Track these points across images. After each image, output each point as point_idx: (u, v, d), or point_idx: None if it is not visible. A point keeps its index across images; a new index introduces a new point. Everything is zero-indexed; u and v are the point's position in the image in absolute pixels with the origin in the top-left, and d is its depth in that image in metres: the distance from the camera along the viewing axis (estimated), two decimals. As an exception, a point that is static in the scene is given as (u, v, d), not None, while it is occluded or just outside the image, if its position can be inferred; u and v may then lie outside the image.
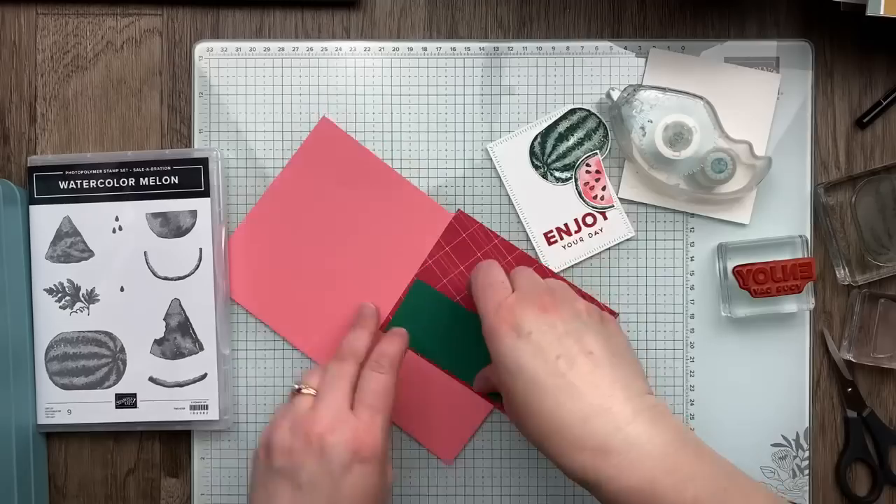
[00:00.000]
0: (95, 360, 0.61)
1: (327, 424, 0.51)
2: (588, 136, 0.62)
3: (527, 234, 0.62)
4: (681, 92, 0.60)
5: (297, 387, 0.54)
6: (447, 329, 0.61)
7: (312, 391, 0.53)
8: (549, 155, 0.62)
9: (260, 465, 0.53)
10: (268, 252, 0.62)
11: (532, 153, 0.62)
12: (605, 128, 0.62)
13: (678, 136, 0.59)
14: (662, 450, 0.46)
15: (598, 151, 0.62)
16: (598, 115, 0.62)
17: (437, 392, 0.61)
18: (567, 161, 0.62)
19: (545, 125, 0.62)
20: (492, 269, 0.55)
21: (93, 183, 0.61)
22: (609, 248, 0.62)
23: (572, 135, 0.62)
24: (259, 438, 0.54)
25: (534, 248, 0.62)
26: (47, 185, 0.61)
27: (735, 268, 0.59)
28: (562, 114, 0.62)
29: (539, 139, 0.62)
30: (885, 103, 0.62)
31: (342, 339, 0.56)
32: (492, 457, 0.62)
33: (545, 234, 0.62)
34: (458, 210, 0.62)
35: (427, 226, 0.61)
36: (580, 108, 0.62)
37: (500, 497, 0.62)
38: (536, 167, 0.62)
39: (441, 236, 0.61)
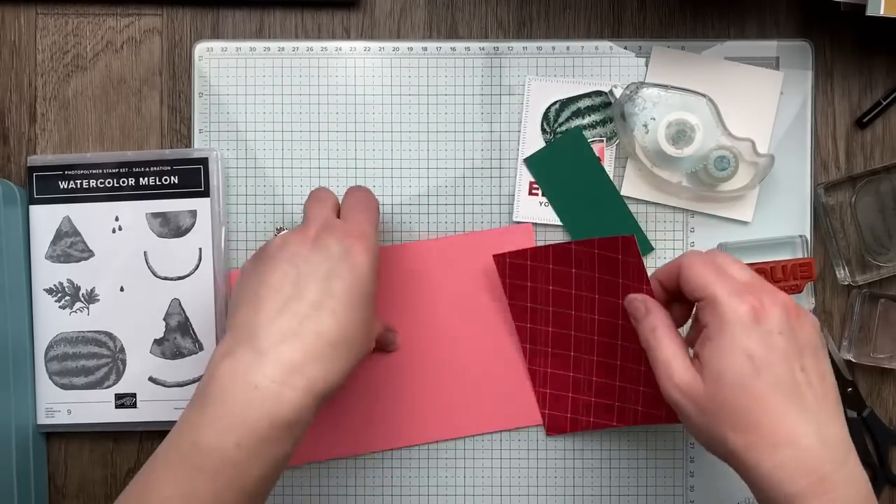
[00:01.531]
0: (95, 360, 0.61)
1: (319, 228, 0.51)
2: (603, 123, 0.62)
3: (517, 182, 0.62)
4: (683, 89, 0.60)
5: (277, 228, 0.57)
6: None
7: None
8: (560, 125, 0.61)
9: (255, 261, 0.52)
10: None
11: (545, 116, 0.62)
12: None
13: (681, 133, 0.59)
14: (865, 495, 0.45)
15: (604, 139, 0.62)
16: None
17: (499, 378, 0.62)
18: (573, 137, 0.62)
19: (569, 95, 0.62)
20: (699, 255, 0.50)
21: (93, 183, 0.61)
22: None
23: (589, 115, 0.62)
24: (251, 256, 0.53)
25: (514, 194, 0.62)
26: (47, 185, 0.61)
27: (735, 268, 0.59)
28: (587, 91, 0.62)
29: (557, 106, 0.62)
30: (885, 103, 0.62)
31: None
32: (492, 457, 0.62)
33: (530, 183, 0.62)
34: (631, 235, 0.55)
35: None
36: (606, 93, 0.62)
37: (501, 497, 0.62)
38: (544, 130, 0.62)
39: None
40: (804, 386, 0.46)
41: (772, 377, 0.45)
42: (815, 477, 0.44)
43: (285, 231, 0.57)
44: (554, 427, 0.61)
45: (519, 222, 0.62)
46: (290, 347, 0.47)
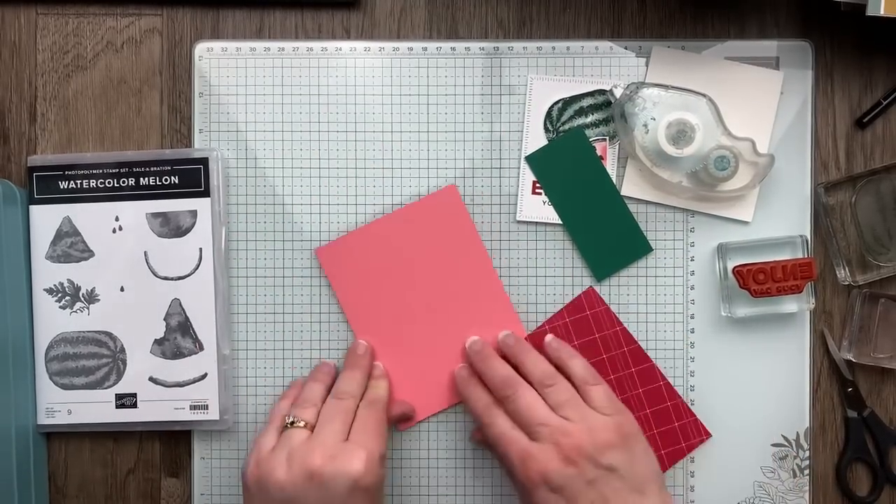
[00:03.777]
0: (95, 360, 0.61)
1: (328, 455, 0.52)
2: (605, 121, 0.62)
3: (518, 184, 0.62)
4: (683, 89, 0.60)
5: (290, 421, 0.55)
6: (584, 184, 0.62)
7: (303, 423, 0.55)
8: (563, 123, 0.62)
9: (254, 501, 0.53)
10: (357, 274, 0.62)
11: (548, 115, 0.62)
12: (624, 119, 0.62)
13: (681, 133, 0.59)
14: None
15: (607, 138, 0.62)
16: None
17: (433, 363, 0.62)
18: (575, 137, 0.62)
19: (571, 94, 0.62)
20: (498, 413, 0.56)
21: (93, 183, 0.61)
22: (609, 248, 0.62)
23: (592, 114, 0.62)
24: (246, 471, 0.54)
25: (517, 194, 0.62)
26: (47, 185, 0.61)
27: (735, 268, 0.59)
28: (590, 90, 0.62)
29: (560, 105, 0.62)
30: (885, 103, 0.62)
31: (338, 381, 0.59)
32: (490, 455, 0.62)
33: (533, 182, 0.62)
34: (590, 287, 0.62)
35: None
36: (609, 92, 0.62)
37: (502, 497, 0.62)
38: (547, 129, 0.62)
39: (566, 308, 0.62)
40: None
41: None
42: None
43: (294, 434, 0.55)
44: None
45: (522, 222, 0.62)
46: None
